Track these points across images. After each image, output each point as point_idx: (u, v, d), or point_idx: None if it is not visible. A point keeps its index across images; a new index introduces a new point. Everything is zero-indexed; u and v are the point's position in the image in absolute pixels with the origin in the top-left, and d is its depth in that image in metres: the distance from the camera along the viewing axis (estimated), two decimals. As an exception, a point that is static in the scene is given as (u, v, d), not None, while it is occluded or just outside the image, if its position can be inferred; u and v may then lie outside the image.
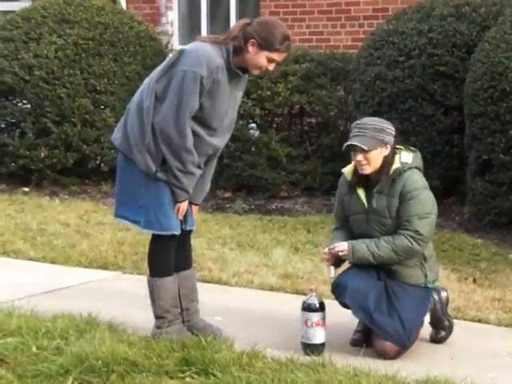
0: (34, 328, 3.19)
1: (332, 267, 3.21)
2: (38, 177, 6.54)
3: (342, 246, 3.16)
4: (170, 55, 3.14)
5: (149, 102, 3.06)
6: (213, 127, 3.12)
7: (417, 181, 3.17)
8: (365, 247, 3.13)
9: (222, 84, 3.06)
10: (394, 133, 3.20)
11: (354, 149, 3.15)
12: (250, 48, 3.06)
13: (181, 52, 3.08)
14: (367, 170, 3.16)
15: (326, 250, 3.22)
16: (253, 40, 3.05)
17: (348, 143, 3.16)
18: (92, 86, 6.50)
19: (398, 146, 3.23)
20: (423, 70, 5.48)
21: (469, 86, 5.10)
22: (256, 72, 3.14)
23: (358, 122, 3.22)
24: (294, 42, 6.75)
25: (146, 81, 3.16)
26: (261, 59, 3.06)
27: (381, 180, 3.16)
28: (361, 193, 3.22)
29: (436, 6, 5.73)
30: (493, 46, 4.98)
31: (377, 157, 3.14)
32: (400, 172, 3.16)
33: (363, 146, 3.11)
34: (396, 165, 3.17)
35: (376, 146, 3.14)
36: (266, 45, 3.04)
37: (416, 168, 3.21)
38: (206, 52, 3.03)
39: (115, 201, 3.28)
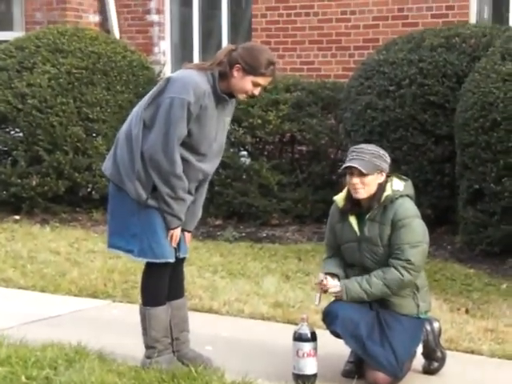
0: (24, 357, 3.16)
1: (319, 295, 3.19)
2: (29, 204, 6.52)
3: (336, 288, 3.16)
4: (158, 83, 3.17)
5: (137, 129, 3.08)
6: (202, 152, 3.13)
7: (408, 209, 3.17)
8: (357, 286, 3.12)
9: (209, 109, 3.08)
10: (389, 161, 3.22)
11: (350, 171, 3.16)
12: (235, 73, 3.08)
13: (168, 80, 3.11)
14: (361, 194, 3.16)
15: (320, 280, 3.19)
16: (238, 65, 3.07)
17: (347, 164, 3.17)
18: (84, 115, 6.52)
19: (389, 174, 3.24)
20: (414, 99, 5.53)
21: (459, 116, 5.14)
22: (242, 97, 3.16)
23: (355, 146, 3.24)
24: (285, 71, 6.94)
25: (135, 109, 3.18)
26: (246, 84, 3.09)
27: (372, 207, 3.17)
28: (353, 221, 3.22)
29: (426, 36, 5.80)
30: (483, 76, 5.04)
31: (372, 182, 3.15)
32: (392, 199, 3.17)
33: (362, 169, 3.12)
34: (387, 192, 3.18)
35: (373, 171, 3.15)
36: (250, 70, 3.07)
37: (408, 196, 3.22)
38: (192, 78, 3.05)
39: (108, 230, 3.27)
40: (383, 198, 3.16)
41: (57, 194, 6.50)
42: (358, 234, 3.19)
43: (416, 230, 3.14)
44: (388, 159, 3.22)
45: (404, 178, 3.28)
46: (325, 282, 3.16)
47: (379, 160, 3.17)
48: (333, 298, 3.21)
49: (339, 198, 3.28)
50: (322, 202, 6.00)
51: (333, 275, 3.19)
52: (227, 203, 6.18)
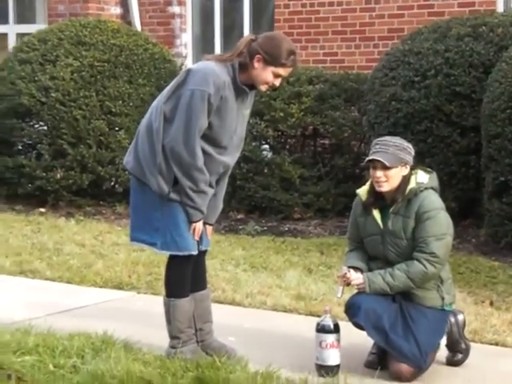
0: (51, 346, 3.20)
1: (341, 287, 3.19)
2: (54, 198, 6.58)
3: (359, 280, 3.14)
4: (178, 76, 3.16)
5: (158, 123, 3.07)
6: (222, 145, 3.13)
7: (433, 201, 3.15)
8: (380, 279, 3.11)
9: (229, 101, 3.07)
10: (413, 153, 3.19)
11: (373, 165, 3.14)
12: (256, 64, 3.06)
13: (187, 72, 3.10)
14: (385, 187, 3.14)
15: (344, 273, 3.18)
16: (258, 56, 3.05)
17: (370, 157, 3.14)
18: (107, 108, 6.56)
19: (413, 167, 3.21)
20: (439, 90, 5.47)
21: (486, 107, 5.08)
22: (263, 88, 3.13)
23: (379, 139, 3.21)
24: (307, 63, 6.91)
25: (155, 103, 3.18)
26: (267, 75, 3.07)
27: (397, 200, 3.15)
28: (376, 214, 3.20)
29: (452, 25, 5.72)
30: (510, 65, 4.97)
31: (396, 175, 3.13)
32: (416, 192, 3.14)
33: (386, 162, 3.09)
34: (412, 185, 3.16)
35: (397, 164, 3.13)
36: (271, 60, 3.05)
37: (432, 188, 3.19)
38: (212, 70, 3.04)
39: (130, 224, 3.28)
40: (407, 191, 3.14)
41: (81, 187, 6.56)
42: (382, 227, 3.17)
43: (441, 223, 3.12)
44: (412, 151, 3.19)
45: (429, 170, 3.26)
46: (348, 275, 3.15)
47: (403, 152, 3.14)
48: (356, 291, 3.20)
49: (362, 192, 3.26)
50: (344, 195, 5.98)
51: (356, 269, 3.18)
52: (249, 197, 6.18)
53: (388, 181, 3.12)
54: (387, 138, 3.24)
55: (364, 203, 3.23)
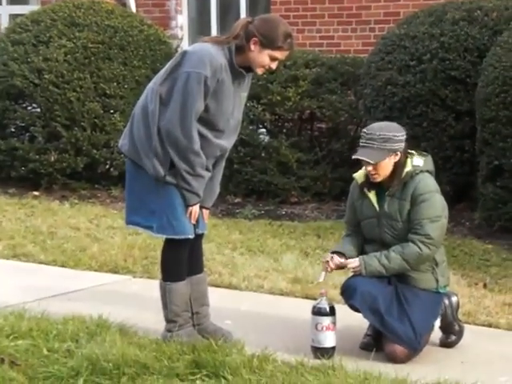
0: (45, 330, 3.20)
1: (324, 272, 3.20)
2: (48, 181, 6.54)
3: (355, 263, 3.16)
4: (174, 57, 3.13)
5: (154, 105, 3.05)
6: (219, 128, 3.11)
7: (428, 184, 3.16)
8: (376, 261, 3.13)
9: (226, 84, 3.05)
10: (403, 138, 3.18)
11: (361, 161, 3.17)
12: (253, 47, 3.04)
13: (183, 54, 3.07)
14: (378, 178, 3.17)
15: (326, 259, 3.19)
16: (255, 38, 3.03)
17: (355, 156, 3.17)
18: (102, 90, 6.51)
19: (410, 151, 3.22)
20: (435, 74, 5.46)
21: (480, 91, 5.08)
22: (260, 71, 3.12)
23: (366, 130, 3.20)
24: (304, 46, 6.87)
25: (150, 85, 3.16)
26: (264, 57, 3.05)
27: (393, 183, 3.16)
28: (372, 197, 3.22)
29: (448, 10, 5.71)
30: (505, 50, 4.96)
31: (386, 166, 3.14)
32: (412, 175, 3.16)
33: (369, 161, 3.12)
34: (408, 168, 3.17)
35: (384, 156, 3.13)
36: (268, 43, 3.03)
37: (428, 172, 3.21)
38: (209, 52, 3.02)
39: (126, 207, 3.27)
40: (404, 174, 3.15)
41: (75, 170, 6.53)
42: (378, 209, 3.19)
43: (436, 205, 3.14)
44: (401, 137, 3.15)
45: (424, 153, 3.27)
46: (330, 262, 3.16)
47: (389, 143, 3.13)
48: (351, 274, 3.22)
49: (359, 175, 3.27)
50: (341, 179, 5.98)
51: (340, 254, 3.20)
52: (246, 181, 6.17)
53: (379, 173, 3.15)
54: (374, 127, 3.19)
55: (360, 185, 3.24)
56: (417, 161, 3.19)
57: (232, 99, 3.11)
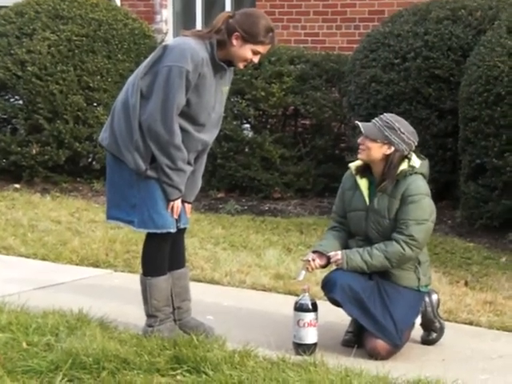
0: (25, 324, 3.17)
1: (303, 271, 3.21)
2: (30, 173, 6.49)
3: (337, 256, 3.17)
4: (154, 51, 3.11)
5: (134, 99, 3.03)
6: (200, 122, 3.10)
7: (420, 186, 3.18)
8: (358, 256, 3.14)
9: (207, 78, 3.04)
10: (408, 141, 3.17)
11: (358, 130, 3.21)
12: (234, 41, 3.04)
13: (164, 48, 3.05)
14: (362, 154, 3.20)
15: (306, 259, 3.20)
16: (237, 33, 3.03)
17: (356, 122, 3.26)
18: (85, 83, 6.47)
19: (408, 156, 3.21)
20: (418, 72, 5.48)
21: (464, 90, 5.11)
22: (242, 65, 3.12)
23: (386, 114, 3.25)
24: (289, 43, 6.87)
25: (130, 79, 3.14)
26: (246, 52, 3.05)
27: (386, 180, 3.17)
28: (364, 189, 3.23)
29: (432, 8, 5.73)
30: (488, 49, 4.99)
31: (374, 149, 3.15)
32: (406, 174, 3.18)
33: (362, 129, 3.16)
34: (403, 166, 3.19)
35: (376, 136, 3.15)
36: (249, 38, 3.03)
37: (422, 174, 3.23)
38: (190, 46, 3.00)
39: (107, 201, 3.25)
40: (398, 172, 3.17)
41: (57, 163, 6.48)
42: (368, 203, 3.20)
43: (424, 208, 3.15)
44: (405, 137, 3.15)
45: (422, 156, 3.29)
46: (312, 263, 3.17)
47: (390, 131, 3.15)
48: (334, 267, 3.22)
49: (354, 164, 3.30)
50: (324, 175, 6.00)
51: (321, 254, 3.20)
52: (229, 176, 6.16)
53: (365, 150, 3.17)
54: (393, 115, 3.23)
55: (355, 171, 3.25)
56: (414, 162, 3.21)
57: (213, 93, 3.10)
